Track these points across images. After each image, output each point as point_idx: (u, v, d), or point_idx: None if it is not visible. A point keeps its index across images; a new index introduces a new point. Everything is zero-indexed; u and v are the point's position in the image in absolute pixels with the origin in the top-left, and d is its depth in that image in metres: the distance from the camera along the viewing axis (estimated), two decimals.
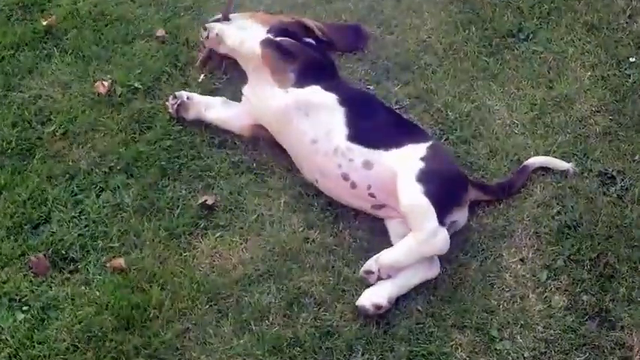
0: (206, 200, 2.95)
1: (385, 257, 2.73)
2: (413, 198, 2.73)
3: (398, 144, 2.88)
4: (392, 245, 2.82)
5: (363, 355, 2.62)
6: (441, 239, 2.72)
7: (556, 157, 3.09)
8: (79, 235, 2.88)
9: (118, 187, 3.00)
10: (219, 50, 3.34)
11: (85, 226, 2.90)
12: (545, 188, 3.03)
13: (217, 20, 3.34)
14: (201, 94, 3.26)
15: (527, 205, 2.98)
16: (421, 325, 2.69)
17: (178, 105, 3.17)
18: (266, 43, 3.11)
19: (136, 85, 3.31)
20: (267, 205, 2.98)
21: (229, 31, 3.27)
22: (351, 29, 3.48)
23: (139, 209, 2.94)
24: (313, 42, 3.28)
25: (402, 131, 2.94)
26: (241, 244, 2.87)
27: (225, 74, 3.38)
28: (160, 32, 3.49)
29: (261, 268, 2.80)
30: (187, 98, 3.17)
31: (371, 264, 2.73)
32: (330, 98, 2.96)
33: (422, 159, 2.80)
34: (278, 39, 3.15)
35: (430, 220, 2.71)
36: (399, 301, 2.73)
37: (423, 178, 2.74)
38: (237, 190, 3.00)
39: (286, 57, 3.05)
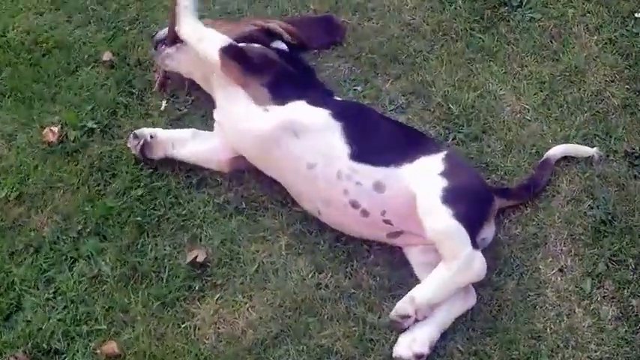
0: (196, 257, 2.52)
1: (421, 296, 2.35)
2: (443, 224, 2.35)
3: (410, 158, 2.46)
4: (416, 277, 2.46)
5: None
6: (478, 264, 2.36)
7: (577, 142, 2.73)
8: (58, 320, 2.44)
9: (92, 254, 2.55)
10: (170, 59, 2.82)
11: (64, 308, 2.46)
12: (571, 181, 2.66)
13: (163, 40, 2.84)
14: (166, 122, 2.81)
15: (556, 204, 2.62)
16: None
17: (142, 146, 2.69)
18: (227, 50, 2.59)
19: (89, 125, 2.81)
20: (265, 250, 2.56)
21: (189, 18, 2.67)
22: (323, 21, 3.00)
23: (121, 278, 2.50)
24: (284, 47, 2.82)
25: (410, 142, 2.53)
26: (245, 303, 2.46)
27: (190, 95, 2.89)
28: (107, 55, 2.97)
29: (274, 329, 2.41)
30: (151, 137, 2.68)
31: (406, 307, 2.34)
32: (321, 114, 2.51)
33: (442, 174, 2.41)
34: (242, 45, 2.67)
35: (465, 245, 2.34)
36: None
37: (449, 198, 2.35)
38: (229, 238, 2.57)
39: (252, 69, 2.58)
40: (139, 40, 3.03)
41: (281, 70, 2.63)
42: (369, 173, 2.44)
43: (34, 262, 2.55)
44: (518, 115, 2.81)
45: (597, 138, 2.75)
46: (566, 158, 2.70)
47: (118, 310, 2.45)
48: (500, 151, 2.73)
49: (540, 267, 2.52)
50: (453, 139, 2.75)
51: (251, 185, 2.67)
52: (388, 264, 2.52)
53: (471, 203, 2.39)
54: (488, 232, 2.48)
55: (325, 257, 2.53)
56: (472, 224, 2.38)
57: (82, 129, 2.81)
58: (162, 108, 2.85)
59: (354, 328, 2.41)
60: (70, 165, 2.74)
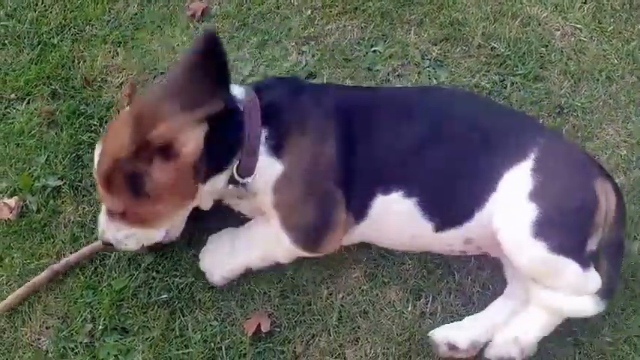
0: (258, 325, 1.76)
1: (527, 338, 1.71)
2: (536, 261, 1.65)
3: (493, 184, 1.68)
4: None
5: None
6: (592, 284, 1.69)
7: None
8: None
9: (117, 358, 1.73)
10: None
11: None
12: None
13: None
14: None
15: None
16: None
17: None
18: (300, 241, 1.71)
19: (51, 183, 1.92)
20: (341, 289, 1.81)
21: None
22: None
23: None
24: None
25: (493, 157, 1.68)
26: None
27: None
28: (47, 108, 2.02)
29: None
30: None
31: (509, 349, 1.71)
32: (401, 206, 1.69)
33: (530, 197, 1.63)
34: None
35: (571, 275, 1.66)
36: None
37: (541, 230, 1.62)
38: (290, 287, 1.81)
39: (330, 220, 1.69)
40: (77, 52, 2.10)
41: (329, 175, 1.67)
42: (456, 235, 1.73)
43: None
44: (573, 39, 2.13)
45: None
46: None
47: None
48: (568, 87, 2.06)
49: None
50: (511, 85, 2.05)
51: None
52: (495, 265, 1.84)
53: (571, 224, 1.67)
54: (594, 240, 1.75)
55: (418, 277, 1.83)
56: (574, 249, 1.67)
57: (42, 191, 1.92)
58: None
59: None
60: (45, 245, 1.86)
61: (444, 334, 1.73)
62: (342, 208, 1.67)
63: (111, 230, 1.67)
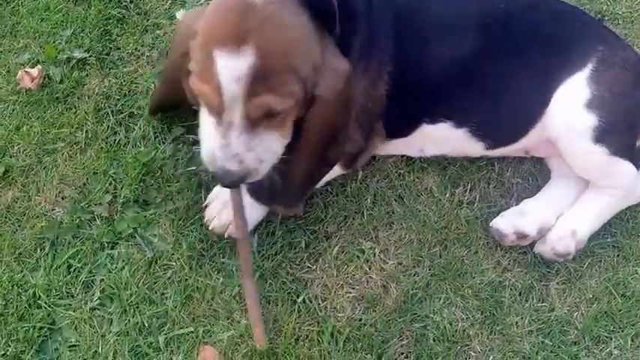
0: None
1: (584, 231, 1.57)
2: (599, 166, 1.53)
3: (548, 95, 1.53)
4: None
5: None
6: None
7: None
8: (117, 336, 1.46)
9: (136, 231, 1.55)
10: None
11: (121, 318, 1.48)
12: None
13: None
14: None
15: None
16: None
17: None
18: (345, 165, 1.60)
19: (76, 55, 1.74)
20: (377, 173, 1.64)
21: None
22: None
23: (193, 256, 1.52)
24: None
25: (548, 68, 1.53)
26: (372, 248, 1.56)
27: None
28: None
29: (422, 274, 1.53)
30: None
31: (567, 243, 1.55)
32: (443, 130, 1.56)
33: (588, 106, 1.49)
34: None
35: (626, 175, 1.55)
36: None
37: (602, 136, 1.49)
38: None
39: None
40: None
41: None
42: (505, 150, 1.63)
43: (55, 261, 1.53)
44: None
45: None
46: None
47: (199, 300, 1.50)
48: None
49: None
50: None
51: None
52: (537, 158, 1.68)
53: (625, 129, 1.54)
54: None
55: (457, 165, 1.66)
56: (629, 150, 1.57)
57: (67, 63, 1.74)
58: (179, 16, 1.81)
59: (520, 250, 1.59)
60: (67, 115, 1.68)
61: (509, 222, 1.56)
62: (382, 136, 1.56)
63: (243, 149, 1.29)
